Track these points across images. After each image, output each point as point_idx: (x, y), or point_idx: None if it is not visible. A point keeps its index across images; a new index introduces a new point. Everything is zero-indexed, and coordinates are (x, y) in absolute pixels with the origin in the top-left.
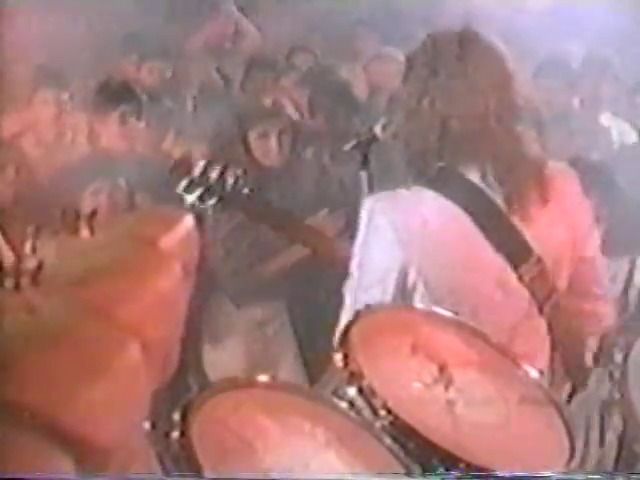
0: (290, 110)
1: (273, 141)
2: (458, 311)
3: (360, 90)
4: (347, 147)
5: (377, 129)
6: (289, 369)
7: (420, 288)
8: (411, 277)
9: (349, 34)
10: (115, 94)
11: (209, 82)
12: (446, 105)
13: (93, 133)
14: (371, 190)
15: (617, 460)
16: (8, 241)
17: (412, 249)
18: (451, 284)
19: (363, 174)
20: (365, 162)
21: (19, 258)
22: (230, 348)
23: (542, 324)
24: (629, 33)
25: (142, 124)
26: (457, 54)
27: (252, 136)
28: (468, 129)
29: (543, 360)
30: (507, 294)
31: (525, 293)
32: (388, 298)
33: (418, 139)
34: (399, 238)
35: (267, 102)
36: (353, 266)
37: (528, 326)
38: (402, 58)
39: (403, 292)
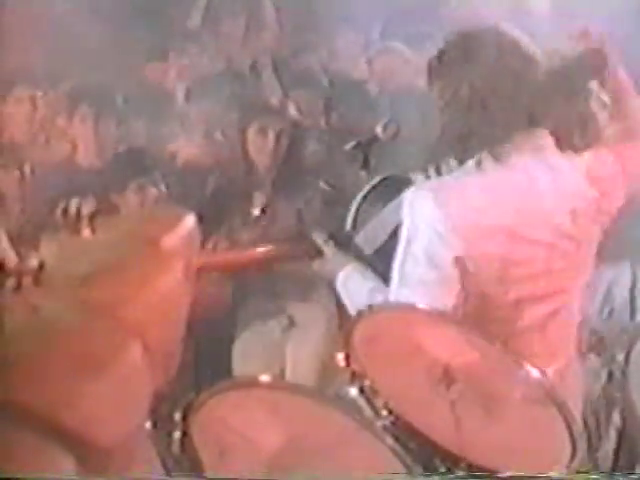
0: (293, 111)
1: (271, 139)
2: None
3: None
4: (347, 147)
5: (378, 129)
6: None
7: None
8: (459, 270)
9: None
10: (93, 99)
11: (215, 73)
12: (485, 86)
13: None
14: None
15: (617, 460)
16: (11, 240)
17: (461, 241)
18: (497, 276)
19: (363, 174)
20: (366, 162)
21: (21, 258)
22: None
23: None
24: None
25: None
26: (494, 57)
27: (251, 132)
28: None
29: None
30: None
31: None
32: (438, 294)
33: (458, 123)
34: (449, 230)
35: (273, 100)
36: (396, 263)
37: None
38: (407, 52)
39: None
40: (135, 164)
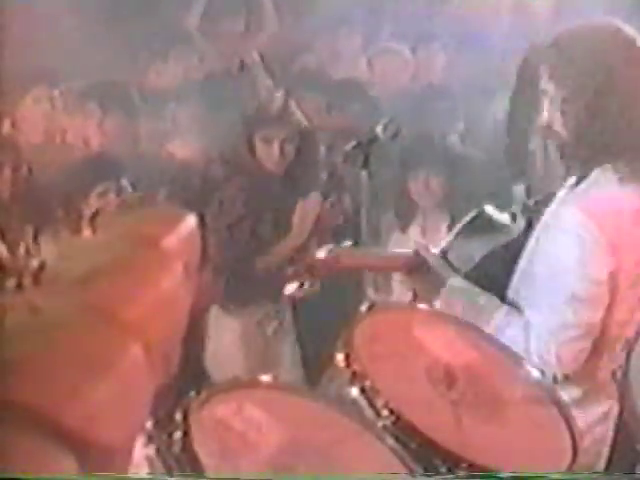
0: (299, 115)
1: (276, 148)
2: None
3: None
4: (348, 147)
5: (378, 129)
6: (288, 369)
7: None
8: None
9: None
10: (106, 95)
11: (216, 77)
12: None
13: (84, 133)
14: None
15: (618, 460)
16: (9, 241)
17: (612, 255)
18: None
19: (363, 173)
20: (366, 162)
21: (21, 258)
22: (228, 347)
23: None
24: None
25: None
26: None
27: (257, 138)
28: None
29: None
30: None
31: None
32: (592, 310)
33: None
34: (602, 244)
35: (276, 106)
36: (537, 283)
37: None
38: (407, 53)
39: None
40: (103, 167)
